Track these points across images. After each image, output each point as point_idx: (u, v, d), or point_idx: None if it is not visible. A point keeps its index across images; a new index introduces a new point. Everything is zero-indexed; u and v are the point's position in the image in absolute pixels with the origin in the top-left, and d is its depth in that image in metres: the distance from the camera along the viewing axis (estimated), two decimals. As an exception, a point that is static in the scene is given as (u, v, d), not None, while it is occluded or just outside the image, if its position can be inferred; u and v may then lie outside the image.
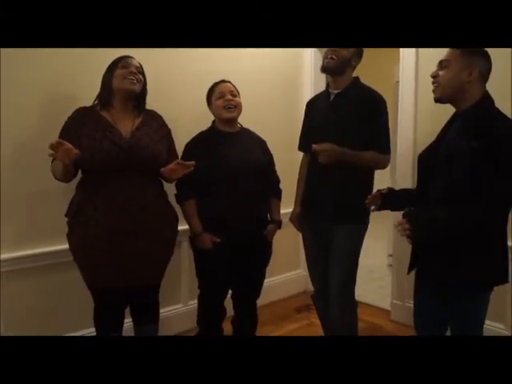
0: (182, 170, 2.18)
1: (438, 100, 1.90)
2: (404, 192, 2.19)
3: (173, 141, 2.39)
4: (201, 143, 2.48)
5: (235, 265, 2.48)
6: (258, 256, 2.57)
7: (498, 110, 1.82)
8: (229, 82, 2.54)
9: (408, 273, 2.07)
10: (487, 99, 1.84)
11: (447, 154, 1.81)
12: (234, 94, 2.50)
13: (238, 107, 2.48)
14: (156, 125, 2.29)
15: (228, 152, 2.42)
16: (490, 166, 1.67)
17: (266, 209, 2.62)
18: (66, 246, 2.23)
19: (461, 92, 1.83)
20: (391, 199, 2.11)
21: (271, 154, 2.67)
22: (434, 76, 1.89)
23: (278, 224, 2.64)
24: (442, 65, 1.87)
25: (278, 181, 2.71)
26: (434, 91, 1.90)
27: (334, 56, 2.37)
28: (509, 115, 1.80)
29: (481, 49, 1.84)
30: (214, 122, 2.57)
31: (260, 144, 2.62)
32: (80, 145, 2.04)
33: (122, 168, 2.11)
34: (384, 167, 2.45)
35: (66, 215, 2.20)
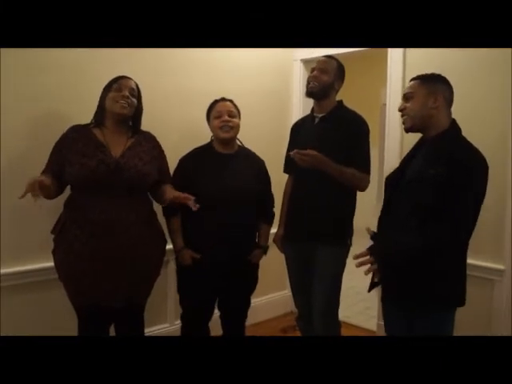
0: (183, 200, 2.14)
1: (408, 130, 1.98)
2: None
3: (166, 162, 2.38)
4: (195, 161, 2.45)
5: (219, 287, 2.47)
6: (243, 281, 2.53)
7: (464, 139, 1.88)
8: (230, 100, 2.49)
9: (369, 291, 2.09)
10: (454, 128, 1.91)
11: (413, 178, 1.88)
12: (233, 114, 2.44)
13: (234, 128, 2.43)
14: (148, 146, 2.28)
15: (219, 175, 2.39)
16: (453, 193, 1.73)
17: (254, 234, 2.59)
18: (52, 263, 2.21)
19: (429, 119, 1.90)
20: None
21: (268, 176, 2.63)
22: (402, 109, 1.96)
23: (264, 250, 2.62)
24: (406, 97, 1.95)
25: (271, 206, 2.67)
26: (403, 123, 1.98)
27: (315, 82, 2.44)
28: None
29: (441, 76, 1.93)
30: (211, 139, 2.53)
31: (256, 167, 2.56)
32: (70, 161, 2.06)
33: (108, 186, 2.10)
34: (364, 188, 2.46)
35: (51, 232, 2.19)
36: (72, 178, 2.10)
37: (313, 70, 2.50)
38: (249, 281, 2.59)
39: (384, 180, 2.12)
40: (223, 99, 2.49)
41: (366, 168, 2.43)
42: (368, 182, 2.46)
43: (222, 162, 2.44)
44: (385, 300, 2.08)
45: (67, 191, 2.21)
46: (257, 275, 2.63)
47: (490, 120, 2.68)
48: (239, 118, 2.48)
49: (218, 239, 2.38)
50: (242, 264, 2.48)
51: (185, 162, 2.47)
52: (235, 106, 2.49)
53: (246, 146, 2.62)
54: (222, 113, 2.41)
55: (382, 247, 1.86)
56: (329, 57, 2.54)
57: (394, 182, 2.02)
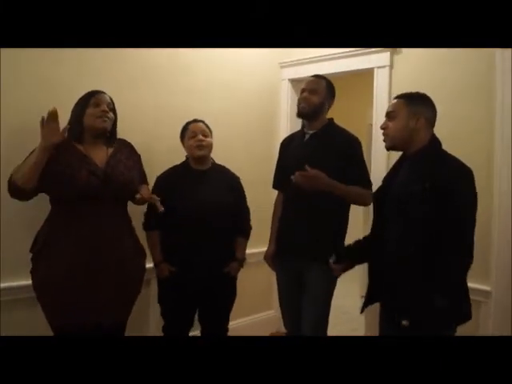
0: (151, 200, 2.25)
1: (388, 149, 2.02)
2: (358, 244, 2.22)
3: (143, 166, 2.41)
4: (171, 178, 2.57)
5: (197, 300, 2.53)
6: (221, 294, 2.59)
7: (445, 152, 1.90)
8: (202, 121, 2.62)
9: (361, 312, 2.10)
10: (435, 142, 1.93)
11: (399, 195, 1.88)
12: (206, 134, 2.56)
13: (208, 147, 2.56)
14: (127, 151, 2.32)
15: (194, 190, 2.49)
16: (441, 206, 1.73)
17: (230, 247, 2.62)
18: (27, 282, 2.14)
19: (409, 139, 1.92)
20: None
21: (243, 192, 2.70)
22: (384, 128, 1.98)
23: (241, 262, 2.64)
24: (389, 116, 1.97)
25: (247, 219, 2.72)
26: (384, 141, 2.00)
27: (306, 104, 2.47)
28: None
29: (425, 96, 1.95)
30: (186, 157, 2.64)
31: (231, 182, 2.65)
32: (57, 171, 2.03)
33: (98, 198, 2.09)
34: (368, 203, 2.45)
35: (30, 250, 2.13)
36: (61, 191, 2.07)
37: (303, 90, 2.52)
38: (227, 294, 2.63)
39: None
40: (195, 120, 2.62)
41: (367, 184, 2.46)
42: (371, 197, 2.42)
43: (197, 178, 2.56)
44: (382, 318, 2.04)
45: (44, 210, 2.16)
46: (235, 288, 2.65)
47: (475, 138, 2.71)
48: (211, 137, 2.61)
49: (194, 252, 2.44)
50: (220, 277, 2.53)
51: (161, 179, 2.58)
52: (207, 126, 2.62)
53: (235, 164, 2.70)
54: (197, 133, 2.54)
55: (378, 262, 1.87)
56: (317, 76, 2.57)
57: (380, 200, 2.03)
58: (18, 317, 2.35)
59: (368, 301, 2.05)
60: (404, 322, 1.76)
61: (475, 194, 1.81)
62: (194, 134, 2.54)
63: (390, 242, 1.90)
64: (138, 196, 2.22)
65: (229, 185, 2.62)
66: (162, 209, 2.23)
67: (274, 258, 2.64)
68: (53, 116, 1.96)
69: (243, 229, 2.69)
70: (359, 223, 3.80)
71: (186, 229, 2.45)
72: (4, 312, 2.32)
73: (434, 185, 1.75)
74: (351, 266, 2.22)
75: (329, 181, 2.29)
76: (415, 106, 1.91)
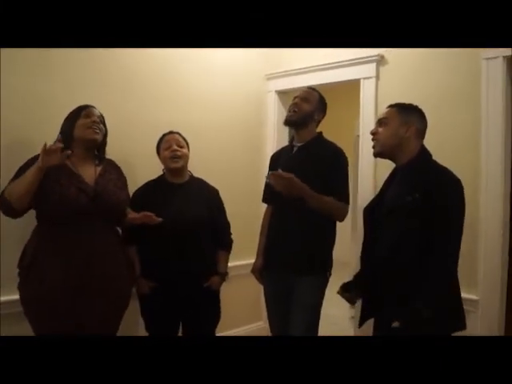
0: (147, 221, 2.24)
1: (377, 155, 2.02)
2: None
3: (128, 189, 2.40)
4: (147, 192, 2.53)
5: (179, 314, 2.49)
6: (203, 309, 2.52)
7: (435, 162, 1.92)
8: (177, 132, 2.59)
9: (359, 326, 2.08)
10: (425, 153, 1.95)
11: (391, 207, 1.89)
12: (181, 144, 2.53)
13: (183, 158, 2.51)
14: (116, 173, 2.31)
15: (170, 204, 2.45)
16: (434, 216, 1.74)
17: (211, 261, 2.58)
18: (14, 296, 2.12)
19: (399, 147, 1.93)
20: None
21: (221, 205, 2.67)
22: (374, 133, 1.99)
23: (223, 276, 2.61)
24: (380, 122, 1.99)
25: (227, 232, 2.69)
26: (373, 147, 2.01)
27: (296, 109, 2.45)
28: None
29: (418, 108, 1.98)
30: (163, 171, 2.60)
31: (209, 195, 2.62)
32: (46, 188, 2.01)
33: (88, 215, 2.08)
34: (342, 218, 2.45)
35: (18, 266, 2.11)
36: (50, 208, 2.05)
37: (295, 98, 2.53)
38: (210, 308, 2.57)
39: (362, 211, 2.13)
40: (171, 132, 2.58)
41: (344, 197, 2.43)
42: (346, 211, 2.45)
43: (173, 191, 2.52)
44: (377, 329, 2.04)
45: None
46: (218, 302, 2.61)
47: (461, 148, 2.74)
48: (188, 148, 2.58)
49: (173, 267, 2.41)
50: (201, 291, 2.48)
51: (138, 193, 2.54)
52: (183, 137, 2.59)
53: (220, 177, 2.68)
54: (171, 143, 2.51)
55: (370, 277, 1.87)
56: (311, 88, 2.59)
57: (372, 213, 2.04)
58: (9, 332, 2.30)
59: (365, 315, 2.04)
60: (394, 324, 1.77)
61: (464, 205, 1.83)
62: (168, 144, 2.50)
63: (382, 255, 1.90)
64: (130, 216, 2.22)
65: (206, 198, 2.59)
66: (159, 219, 2.23)
67: (262, 270, 2.62)
68: (56, 142, 1.98)
69: (224, 242, 2.66)
70: (347, 236, 3.81)
71: (162, 243, 2.41)
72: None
73: (425, 196, 1.76)
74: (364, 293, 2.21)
75: (303, 186, 2.27)
76: (407, 116, 1.94)
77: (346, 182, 2.48)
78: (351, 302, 2.22)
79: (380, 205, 1.98)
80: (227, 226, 2.69)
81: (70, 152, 2.01)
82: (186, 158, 2.53)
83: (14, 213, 2.05)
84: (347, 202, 2.44)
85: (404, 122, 1.92)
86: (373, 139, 2.01)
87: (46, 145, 1.93)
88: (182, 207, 2.45)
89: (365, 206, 2.13)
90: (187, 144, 2.58)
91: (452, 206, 1.78)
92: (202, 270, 2.50)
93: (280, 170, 2.25)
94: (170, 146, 2.49)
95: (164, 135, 2.58)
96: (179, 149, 2.50)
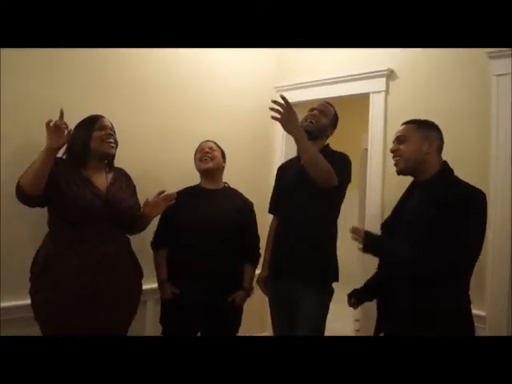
0: (164, 203, 2.28)
1: (401, 172, 2.01)
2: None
3: (137, 196, 2.40)
4: (181, 197, 2.48)
5: (198, 324, 2.48)
6: (224, 322, 2.51)
7: (457, 177, 1.92)
8: (213, 141, 2.68)
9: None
10: (447, 168, 1.95)
11: (412, 220, 1.88)
12: (213, 148, 2.61)
13: (214, 159, 2.58)
14: (126, 181, 2.33)
15: (200, 208, 2.48)
16: (457, 230, 1.74)
17: (235, 272, 2.57)
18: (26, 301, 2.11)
19: (422, 163, 1.94)
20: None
21: (254, 218, 2.68)
22: (395, 150, 1.99)
23: (248, 291, 2.59)
24: (399, 140, 1.98)
25: (256, 247, 2.68)
26: (396, 164, 2.01)
27: (313, 120, 2.47)
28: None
29: (435, 124, 1.98)
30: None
31: (241, 204, 2.62)
32: (60, 189, 2.04)
33: (100, 221, 2.10)
34: (328, 180, 2.25)
35: (31, 270, 2.11)
36: (65, 209, 2.07)
37: (312, 109, 2.53)
38: (231, 322, 2.56)
39: (380, 227, 2.13)
40: (207, 140, 2.68)
41: (337, 169, 2.29)
42: (334, 179, 2.27)
43: (206, 196, 2.57)
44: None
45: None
46: (239, 317, 2.60)
47: (470, 162, 2.72)
48: (223, 158, 2.63)
49: (197, 272, 2.41)
50: (224, 304, 2.47)
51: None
52: (218, 145, 2.67)
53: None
54: (204, 148, 2.61)
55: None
56: (328, 103, 2.60)
57: (390, 227, 2.03)
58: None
59: (380, 325, 2.04)
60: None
61: (486, 218, 1.83)
62: (201, 149, 2.61)
63: (402, 268, 1.90)
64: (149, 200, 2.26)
65: (240, 207, 2.60)
66: (175, 194, 2.30)
67: (267, 281, 2.62)
68: (60, 117, 1.96)
69: (252, 257, 2.65)
70: (354, 247, 3.80)
71: (188, 247, 2.44)
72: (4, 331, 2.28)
73: (449, 210, 1.76)
74: (370, 300, 2.21)
75: (299, 127, 2.26)
76: (427, 131, 1.95)
77: (348, 167, 2.46)
78: (354, 306, 2.21)
79: (399, 218, 1.98)
80: (257, 240, 2.69)
81: (71, 129, 2.00)
82: (216, 160, 2.60)
83: (28, 199, 2.03)
84: (337, 173, 2.29)
85: (425, 137, 1.93)
86: (394, 157, 2.02)
87: (50, 122, 1.93)
88: (213, 210, 2.50)
89: (381, 222, 2.13)
90: (223, 153, 2.68)
91: (476, 220, 1.79)
92: (227, 282, 2.50)
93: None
94: (203, 149, 2.60)
95: (201, 143, 2.67)
96: (210, 151, 2.58)
